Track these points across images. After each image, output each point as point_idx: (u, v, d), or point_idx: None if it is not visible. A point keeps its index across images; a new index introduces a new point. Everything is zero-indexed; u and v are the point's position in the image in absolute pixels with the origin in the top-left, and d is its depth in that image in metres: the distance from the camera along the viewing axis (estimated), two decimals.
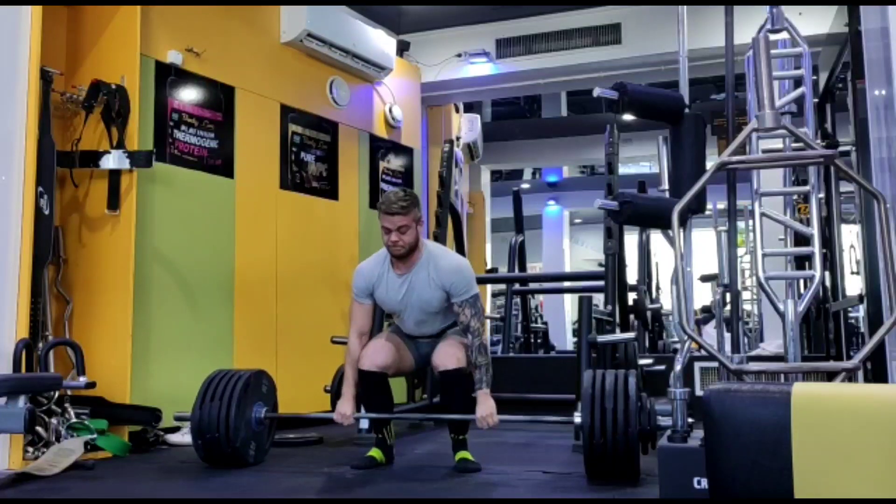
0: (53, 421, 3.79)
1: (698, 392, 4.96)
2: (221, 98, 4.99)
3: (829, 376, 2.84)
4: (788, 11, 3.57)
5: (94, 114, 4.30)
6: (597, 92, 3.67)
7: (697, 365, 5.46)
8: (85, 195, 4.40)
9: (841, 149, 5.39)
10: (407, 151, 6.72)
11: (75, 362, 3.93)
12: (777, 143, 3.55)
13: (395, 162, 6.56)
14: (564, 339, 14.23)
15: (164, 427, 4.24)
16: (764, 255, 3.23)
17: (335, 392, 4.40)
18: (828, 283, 5.62)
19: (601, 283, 5.29)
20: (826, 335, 5.76)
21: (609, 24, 6.99)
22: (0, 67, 3.70)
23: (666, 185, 4.03)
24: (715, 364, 3.94)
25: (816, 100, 5.57)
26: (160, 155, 4.50)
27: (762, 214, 3.31)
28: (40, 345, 3.94)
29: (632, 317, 6.19)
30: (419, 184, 6.90)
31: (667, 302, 7.76)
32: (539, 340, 9.91)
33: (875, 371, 3.97)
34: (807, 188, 3.42)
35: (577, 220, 17.52)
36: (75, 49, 4.51)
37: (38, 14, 3.79)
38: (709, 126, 4.74)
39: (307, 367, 5.19)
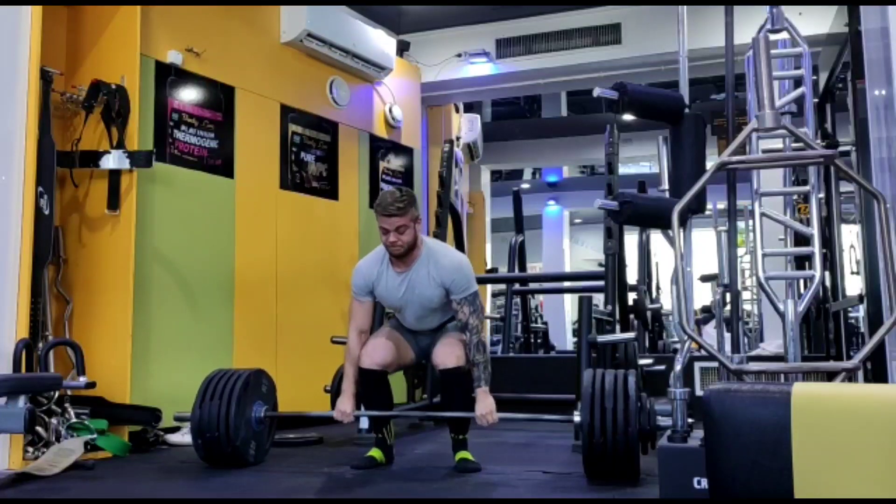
0: (53, 421, 3.79)
1: (698, 392, 4.96)
2: (221, 98, 4.99)
3: (829, 376, 2.84)
4: (788, 11, 3.57)
5: (94, 114, 4.30)
6: (597, 92, 3.67)
7: (697, 365, 5.46)
8: (85, 195, 4.41)
9: (841, 149, 5.39)
10: (407, 151, 6.72)
11: (75, 362, 3.93)
12: (777, 143, 3.55)
13: (395, 162, 6.56)
14: (564, 339, 14.23)
15: (164, 427, 4.24)
16: (764, 255, 3.23)
17: (335, 392, 4.40)
18: (828, 283, 5.62)
19: (601, 283, 5.29)
20: (826, 335, 5.76)
21: (609, 24, 7.00)
22: (0, 67, 3.70)
23: (666, 185, 4.03)
24: (715, 364, 3.94)
25: (816, 100, 5.57)
26: (160, 155, 4.50)
27: (762, 214, 3.31)
28: (40, 345, 3.94)
29: (632, 317, 6.19)
30: (419, 184, 6.90)
31: (667, 302, 7.77)
32: (539, 340, 9.91)
33: (875, 371, 3.97)
34: (807, 188, 3.42)
35: (577, 220, 17.52)
36: (75, 49, 4.51)
37: (38, 14, 3.79)
38: (709, 126, 4.75)
39: (307, 367, 5.19)
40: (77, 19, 4.52)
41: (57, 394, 3.83)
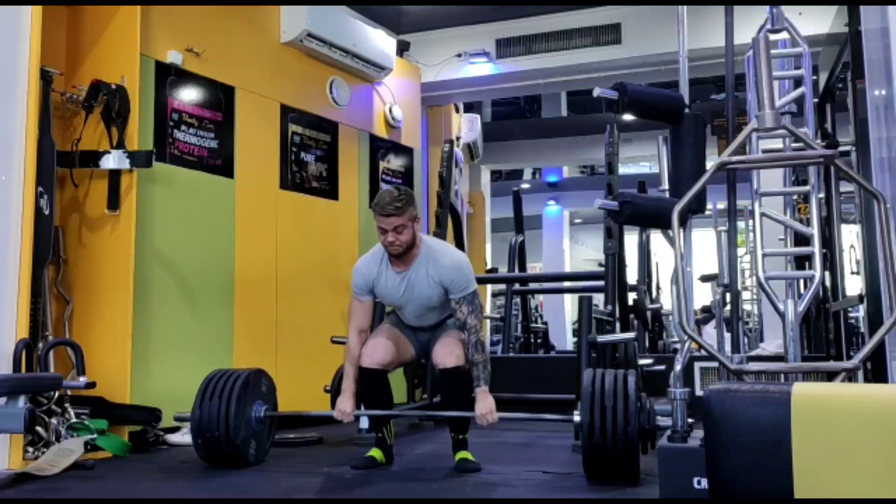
0: (53, 421, 3.79)
1: (698, 392, 4.96)
2: (221, 98, 4.99)
3: (829, 376, 2.84)
4: (788, 11, 3.57)
5: (94, 114, 4.30)
6: (597, 92, 3.67)
7: (697, 365, 5.46)
8: (85, 195, 4.41)
9: (841, 149, 5.39)
10: (407, 151, 6.72)
11: (75, 362, 3.93)
12: (777, 143, 3.55)
13: (395, 162, 6.56)
14: (564, 339, 14.22)
15: (164, 427, 4.24)
16: (764, 255, 3.23)
17: (335, 392, 4.40)
18: (828, 283, 5.62)
19: (601, 283, 5.28)
20: (826, 335, 5.76)
21: (609, 24, 6.99)
22: (0, 67, 3.70)
23: (666, 185, 4.03)
24: (715, 364, 3.94)
25: (816, 100, 5.57)
26: (160, 155, 4.50)
27: (762, 214, 3.31)
28: (40, 345, 3.94)
29: (632, 317, 6.19)
30: (419, 184, 6.90)
31: (667, 302, 7.76)
32: (539, 340, 9.91)
33: (875, 371, 3.97)
34: (807, 188, 3.42)
35: (577, 220, 17.52)
36: (75, 49, 4.51)
37: (38, 14, 3.79)
38: (709, 126, 4.75)
39: (307, 367, 5.19)
40: (77, 19, 4.52)
41: (57, 394, 3.83)
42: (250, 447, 3.59)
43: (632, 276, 6.63)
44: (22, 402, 3.30)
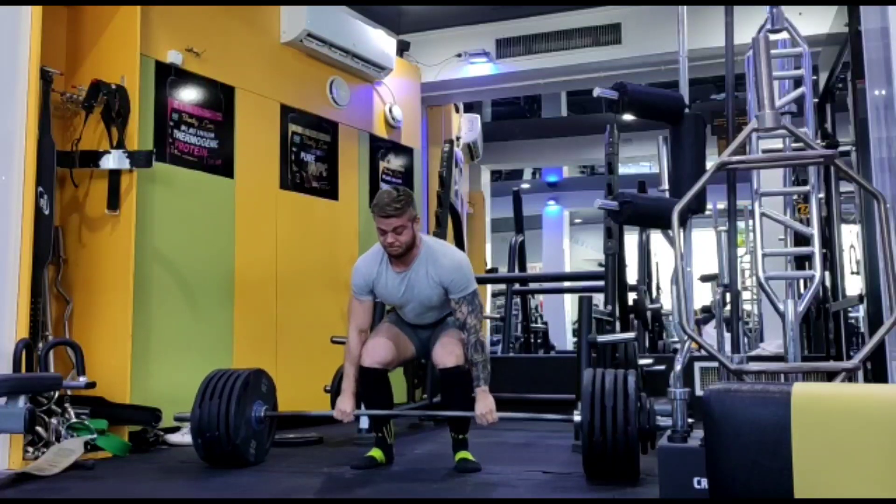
0: (53, 421, 3.79)
1: (698, 392, 4.96)
2: (221, 98, 4.99)
3: (829, 376, 2.84)
4: (788, 11, 3.57)
5: (94, 114, 4.30)
6: (597, 92, 3.67)
7: (697, 365, 5.46)
8: (85, 195, 4.41)
9: (841, 149, 5.39)
10: (407, 151, 6.72)
11: (75, 362, 3.93)
12: (777, 143, 3.55)
13: (395, 162, 6.56)
14: (564, 339, 14.23)
15: (164, 427, 4.24)
16: (764, 255, 3.23)
17: (335, 392, 4.40)
18: (828, 283, 5.62)
19: (601, 283, 5.28)
20: (826, 335, 5.76)
21: (609, 24, 6.99)
22: (0, 67, 3.70)
23: (666, 185, 4.03)
24: (715, 364, 3.95)
25: (816, 100, 5.57)
26: (160, 155, 4.50)
27: (762, 214, 3.31)
28: (40, 345, 3.94)
29: (632, 317, 6.19)
30: (419, 184, 6.90)
31: (667, 302, 7.76)
32: (539, 340, 9.91)
33: (875, 371, 3.97)
34: (807, 188, 3.42)
35: (577, 220, 17.52)
36: (75, 49, 4.51)
37: (38, 14, 3.79)
38: (709, 126, 4.74)
39: (307, 367, 5.19)
40: (77, 19, 4.52)
41: (57, 394, 3.83)
42: (250, 447, 3.59)
43: (632, 276, 6.63)
44: (22, 402, 3.30)
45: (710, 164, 2.98)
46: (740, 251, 7.95)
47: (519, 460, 3.92)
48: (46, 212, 3.93)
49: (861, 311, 5.43)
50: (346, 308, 3.77)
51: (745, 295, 9.48)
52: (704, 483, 2.52)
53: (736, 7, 3.67)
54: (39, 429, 3.73)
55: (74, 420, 3.85)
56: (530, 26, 7.23)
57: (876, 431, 1.82)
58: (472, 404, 3.40)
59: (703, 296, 8.42)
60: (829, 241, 5.49)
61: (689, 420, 2.86)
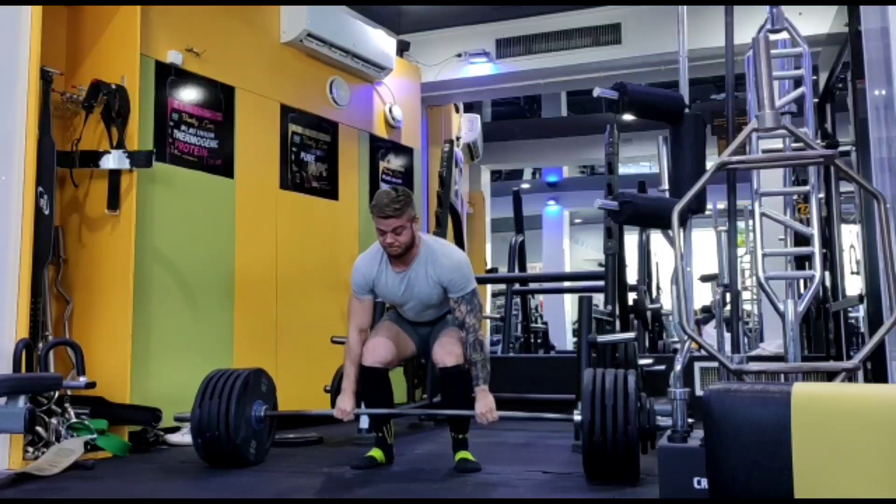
0: (53, 421, 3.79)
1: (698, 392, 4.96)
2: (221, 98, 4.99)
3: (829, 376, 2.84)
4: (788, 11, 3.57)
5: (94, 114, 4.30)
6: (597, 92, 3.67)
7: (697, 365, 5.46)
8: (85, 195, 4.41)
9: (841, 149, 5.39)
10: (407, 151, 6.72)
11: (75, 362, 3.93)
12: (777, 143, 3.55)
13: (395, 162, 6.56)
14: (564, 339, 14.22)
15: (164, 427, 4.24)
16: (764, 255, 3.23)
17: (335, 391, 4.40)
18: (828, 283, 5.62)
19: (601, 283, 5.28)
20: (826, 335, 5.76)
21: (609, 24, 6.99)
22: (0, 67, 3.70)
23: (666, 185, 4.03)
24: (715, 364, 3.94)
25: (816, 100, 5.57)
26: (160, 155, 4.50)
27: (762, 214, 3.31)
28: (40, 345, 3.94)
29: (632, 317, 6.19)
30: (419, 184, 6.90)
31: (667, 302, 7.76)
32: (539, 340, 9.90)
33: (875, 371, 3.97)
34: (807, 188, 3.42)
35: (577, 220, 17.51)
36: (75, 49, 4.51)
37: (38, 14, 3.79)
38: (709, 126, 4.74)
39: (307, 367, 5.19)
40: (77, 19, 4.52)
41: (57, 394, 3.83)
42: (250, 447, 3.59)
43: (632, 276, 6.63)
44: (22, 402, 3.30)
45: (710, 164, 2.98)
46: (740, 251, 7.95)
47: (519, 460, 3.92)
48: (46, 212, 3.93)
49: (861, 311, 5.43)
50: (346, 308, 3.77)
51: (745, 295, 9.48)
52: (704, 483, 2.52)
53: (736, 7, 3.67)
54: (39, 429, 3.73)
55: (74, 420, 3.85)
56: (530, 26, 7.23)
57: (876, 431, 1.82)
58: (473, 404, 3.40)
59: (703, 296, 8.42)
60: (829, 241, 5.49)
61: (689, 420, 2.87)
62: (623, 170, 9.87)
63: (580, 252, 17.81)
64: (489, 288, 9.54)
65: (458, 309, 3.46)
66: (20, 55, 3.74)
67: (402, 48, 7.00)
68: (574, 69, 7.20)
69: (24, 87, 3.75)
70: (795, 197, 4.15)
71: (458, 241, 7.34)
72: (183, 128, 4.71)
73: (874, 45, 3.77)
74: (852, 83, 4.73)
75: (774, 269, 3.63)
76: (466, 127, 8.68)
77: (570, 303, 14.84)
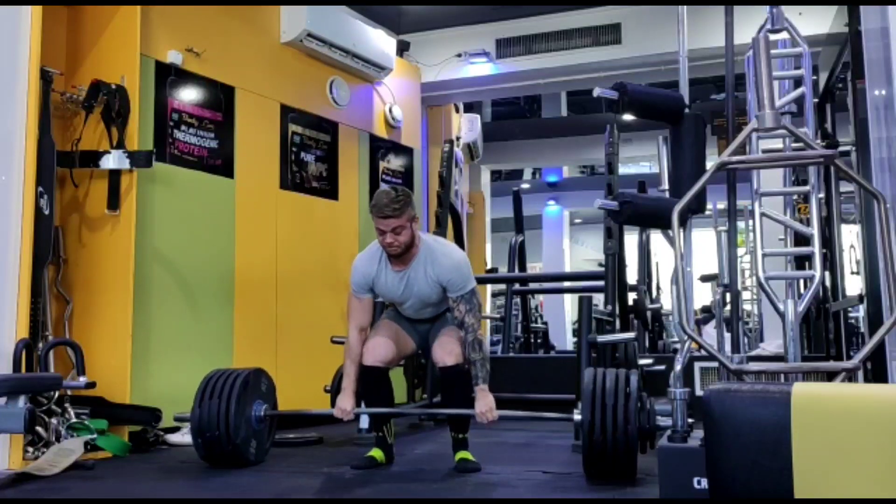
0: (53, 421, 3.79)
1: (698, 392, 4.96)
2: (221, 98, 4.99)
3: (829, 376, 2.84)
4: (788, 11, 3.57)
5: (94, 114, 4.30)
6: (597, 92, 3.67)
7: (697, 365, 5.46)
8: (85, 195, 4.41)
9: (841, 149, 5.39)
10: (407, 151, 6.72)
11: (75, 362, 3.93)
12: (777, 143, 3.55)
13: (395, 162, 6.56)
14: (564, 339, 14.22)
15: (164, 427, 4.24)
16: (764, 255, 3.23)
17: (335, 391, 4.40)
18: (828, 283, 5.62)
19: (601, 283, 5.28)
20: (826, 335, 5.76)
21: (609, 24, 6.99)
22: (0, 67, 3.70)
23: (666, 185, 4.03)
24: (715, 364, 3.94)
25: (816, 100, 5.57)
26: (160, 155, 4.50)
27: (762, 214, 3.31)
28: (40, 345, 3.94)
29: (632, 317, 6.19)
30: (419, 184, 6.90)
31: (667, 302, 7.76)
32: (539, 340, 9.90)
33: (875, 371, 3.97)
34: (807, 188, 3.42)
35: (577, 220, 17.51)
36: (75, 49, 4.51)
37: (38, 14, 3.79)
38: (709, 126, 4.74)
39: (307, 367, 5.19)
40: (77, 19, 4.52)
41: (57, 394, 3.83)
42: (250, 447, 3.59)
43: (632, 276, 6.63)
44: (22, 402, 3.30)
45: (710, 164, 2.98)
46: (740, 251, 7.95)
47: (519, 460, 3.92)
48: (46, 212, 3.93)
49: (861, 311, 5.43)
50: (345, 308, 3.77)
51: (745, 295, 9.48)
52: (704, 483, 2.52)
53: (736, 7, 3.67)
54: (39, 429, 3.73)
55: (74, 420, 3.86)
56: (530, 26, 7.23)
57: (876, 431, 1.82)
58: (472, 403, 3.40)
59: (703, 296, 8.42)
60: (829, 241, 5.49)
61: (689, 420, 2.87)
62: (623, 170, 9.86)
63: (580, 252, 17.81)
64: (489, 288, 9.54)
65: (458, 308, 3.46)
66: (20, 55, 3.74)
67: (402, 48, 7.00)
68: (574, 69, 7.21)
69: (24, 87, 3.75)
70: (795, 197, 4.15)
71: (458, 241, 7.34)
72: (183, 128, 4.71)
73: (874, 45, 3.77)
74: (852, 83, 4.73)
75: (774, 269, 3.63)
76: (466, 127, 8.68)
77: (570, 303, 14.84)
